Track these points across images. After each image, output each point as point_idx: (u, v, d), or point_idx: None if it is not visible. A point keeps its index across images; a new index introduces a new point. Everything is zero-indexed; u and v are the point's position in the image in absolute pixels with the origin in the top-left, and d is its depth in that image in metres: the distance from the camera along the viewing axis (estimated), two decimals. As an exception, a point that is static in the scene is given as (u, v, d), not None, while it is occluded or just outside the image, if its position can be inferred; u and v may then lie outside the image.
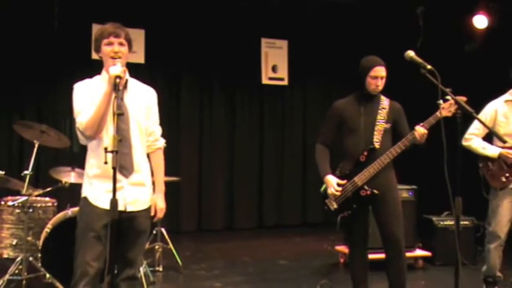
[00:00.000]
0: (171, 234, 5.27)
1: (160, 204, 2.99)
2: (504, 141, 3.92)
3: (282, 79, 8.02)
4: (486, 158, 4.13)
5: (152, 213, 2.94)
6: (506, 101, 4.17)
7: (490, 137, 4.17)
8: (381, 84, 3.61)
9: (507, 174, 4.05)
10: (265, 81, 7.94)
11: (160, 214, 3.00)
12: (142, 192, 2.89)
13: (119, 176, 2.66)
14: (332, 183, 3.60)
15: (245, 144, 7.88)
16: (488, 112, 4.17)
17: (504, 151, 4.03)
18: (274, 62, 7.96)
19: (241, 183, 7.83)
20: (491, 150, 4.09)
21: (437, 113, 3.35)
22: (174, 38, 7.32)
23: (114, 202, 2.53)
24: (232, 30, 7.58)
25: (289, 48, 8.01)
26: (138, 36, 6.91)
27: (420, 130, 3.45)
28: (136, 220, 2.84)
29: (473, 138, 4.15)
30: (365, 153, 3.59)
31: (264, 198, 7.97)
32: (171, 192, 6.64)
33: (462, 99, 3.13)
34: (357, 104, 3.68)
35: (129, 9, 6.70)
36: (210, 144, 7.71)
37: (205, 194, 7.66)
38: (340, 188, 3.59)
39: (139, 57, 6.95)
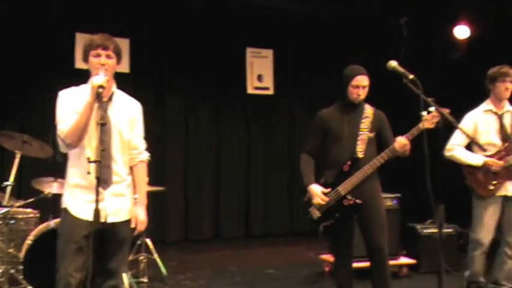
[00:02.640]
0: (158, 245, 5.23)
1: (141, 217, 2.97)
2: (484, 150, 3.99)
3: (267, 88, 8.05)
4: (470, 167, 4.17)
5: (133, 226, 2.93)
6: (485, 111, 4.22)
7: (470, 147, 4.23)
8: (362, 93, 3.63)
9: (494, 182, 4.09)
10: (250, 90, 7.96)
11: (141, 227, 2.98)
12: (123, 202, 2.89)
13: (99, 188, 2.64)
14: (316, 192, 3.61)
15: (231, 154, 7.87)
16: (468, 123, 4.22)
17: (488, 159, 4.07)
18: (260, 72, 7.98)
19: (228, 193, 7.82)
20: (475, 159, 4.12)
21: (420, 125, 3.38)
22: (159, 48, 7.32)
23: (96, 212, 2.52)
24: (217, 40, 7.59)
25: (274, 58, 8.05)
26: (123, 45, 6.85)
27: (400, 140, 3.47)
28: (118, 230, 2.83)
29: (456, 148, 4.19)
30: (348, 162, 3.60)
31: (251, 208, 7.96)
32: (157, 202, 6.71)
33: (445, 110, 3.18)
34: (341, 113, 3.70)
35: (114, 19, 6.69)
36: (196, 153, 7.69)
37: (192, 203, 7.63)
38: (324, 197, 3.60)
39: (124, 67, 6.90)
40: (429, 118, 3.30)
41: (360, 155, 3.60)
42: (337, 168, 3.64)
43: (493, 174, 4.08)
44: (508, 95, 4.13)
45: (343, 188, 3.60)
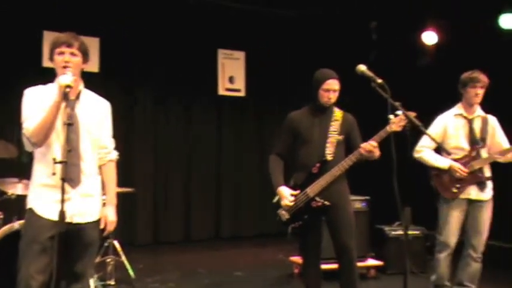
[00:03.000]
0: (126, 247, 5.17)
1: (111, 217, 2.94)
2: (450, 154, 4.08)
3: (238, 90, 8.04)
4: (437, 169, 4.25)
5: (102, 226, 2.89)
6: (456, 115, 4.29)
7: (438, 149, 4.30)
8: (333, 97, 3.67)
9: (457, 185, 4.16)
10: (222, 92, 7.94)
11: (111, 227, 2.95)
12: (91, 203, 2.84)
13: (66, 187, 2.61)
14: (285, 194, 3.63)
15: (202, 155, 7.83)
16: (438, 126, 4.29)
17: (454, 164, 4.14)
18: (231, 73, 7.97)
19: (198, 194, 7.77)
20: (442, 162, 4.19)
21: (387, 128, 3.43)
22: (129, 47, 7.21)
23: (62, 214, 2.48)
24: (189, 40, 7.54)
25: (246, 60, 8.06)
26: (93, 44, 6.78)
27: (365, 145, 3.52)
28: (84, 232, 2.78)
29: (424, 150, 4.26)
30: (317, 165, 3.63)
31: (222, 209, 7.93)
32: (126, 203, 6.62)
33: (412, 114, 3.23)
34: (311, 116, 3.73)
35: (83, 17, 6.56)
36: (166, 154, 7.62)
37: (161, 205, 7.55)
38: (292, 199, 3.61)
39: (93, 66, 6.80)
40: (396, 121, 3.36)
41: (329, 157, 3.63)
42: (306, 171, 3.66)
43: (457, 177, 4.17)
44: (477, 100, 4.19)
45: (311, 190, 3.62)
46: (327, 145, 3.65)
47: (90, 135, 2.84)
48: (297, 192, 3.64)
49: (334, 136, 3.68)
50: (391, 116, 3.26)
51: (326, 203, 3.61)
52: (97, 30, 6.84)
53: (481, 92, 4.17)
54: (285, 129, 3.79)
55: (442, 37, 7.14)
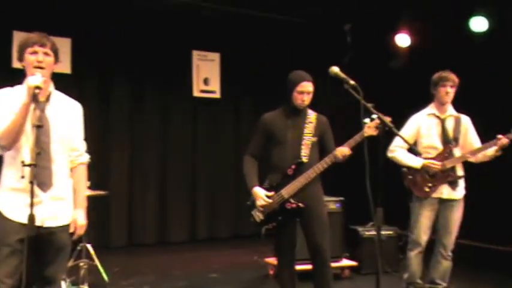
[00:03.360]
0: (101, 250, 5.10)
1: (81, 221, 2.90)
2: (420, 155, 4.15)
3: (214, 92, 8.02)
4: (410, 169, 4.30)
5: (72, 230, 2.85)
6: (429, 115, 4.36)
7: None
8: (307, 99, 3.69)
9: (430, 184, 4.23)
10: (196, 93, 7.90)
11: (81, 231, 2.91)
12: (62, 207, 2.79)
13: (37, 191, 2.58)
14: (260, 195, 3.63)
15: (177, 157, 7.78)
16: (412, 125, 4.36)
17: (427, 161, 4.20)
18: (206, 75, 7.95)
19: (174, 196, 7.72)
20: (415, 161, 4.25)
21: (363, 132, 3.46)
22: (102, 48, 7.12)
23: (31, 217, 2.44)
24: (163, 41, 7.49)
25: (221, 61, 8.04)
26: (64, 45, 6.68)
27: (342, 150, 3.55)
28: (55, 236, 2.74)
29: (398, 150, 4.32)
30: (293, 166, 3.65)
31: (197, 211, 7.89)
32: (99, 206, 6.53)
33: (387, 118, 3.28)
34: (285, 118, 3.74)
35: (54, 17, 6.45)
36: (141, 156, 7.54)
37: (136, 207, 7.47)
38: (268, 200, 3.62)
39: (65, 67, 6.70)
40: (372, 125, 3.39)
41: (305, 159, 3.65)
42: (280, 172, 3.68)
43: (430, 176, 4.23)
44: (448, 99, 4.27)
45: (286, 192, 3.64)
46: (302, 147, 3.67)
47: (61, 138, 2.79)
48: (272, 193, 3.65)
49: (308, 138, 3.70)
50: (367, 120, 3.29)
51: (300, 204, 3.63)
52: (69, 30, 6.74)
53: (451, 90, 4.25)
54: (259, 131, 3.80)
55: (415, 39, 7.25)
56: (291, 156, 3.67)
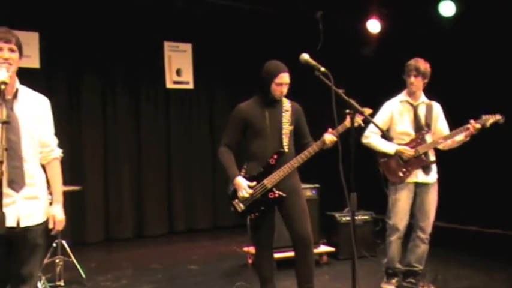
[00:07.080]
0: (77, 246, 5.04)
1: (59, 216, 2.85)
2: (392, 140, 4.21)
3: (187, 83, 7.96)
4: (384, 155, 4.35)
5: (51, 226, 2.81)
6: (402, 101, 4.40)
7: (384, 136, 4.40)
8: (285, 90, 3.69)
9: (404, 169, 4.29)
10: (169, 85, 7.83)
11: (59, 226, 2.87)
12: (37, 205, 2.75)
13: (9, 191, 2.56)
14: (243, 185, 3.62)
15: (152, 149, 7.71)
16: (386, 111, 4.40)
17: (400, 147, 4.25)
18: (179, 66, 7.87)
19: (150, 189, 7.66)
20: (389, 147, 4.30)
21: (346, 122, 3.50)
22: (71, 40, 6.97)
23: (1, 216, 2.38)
24: (134, 33, 7.38)
25: (193, 52, 7.97)
26: (32, 39, 6.53)
27: (329, 138, 3.56)
28: (30, 235, 2.70)
29: (372, 136, 4.36)
30: (275, 156, 3.65)
31: (174, 203, 7.85)
32: (74, 202, 6.44)
33: (368, 111, 3.30)
34: (261, 107, 3.73)
35: (20, 10, 6.29)
36: (115, 150, 7.45)
37: (112, 202, 7.39)
38: (251, 190, 3.62)
39: (33, 62, 6.55)
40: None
41: (286, 148, 3.66)
42: (261, 162, 3.67)
43: (404, 162, 4.29)
44: (413, 88, 4.30)
45: (269, 181, 3.64)
46: (283, 137, 3.68)
47: (31, 135, 2.74)
48: (254, 183, 3.65)
49: (287, 127, 3.70)
50: (348, 111, 3.30)
51: (282, 194, 3.64)
52: (36, 24, 6.58)
53: (414, 80, 4.26)
54: (235, 121, 3.76)
55: (385, 25, 7.31)
56: (271, 146, 3.67)
